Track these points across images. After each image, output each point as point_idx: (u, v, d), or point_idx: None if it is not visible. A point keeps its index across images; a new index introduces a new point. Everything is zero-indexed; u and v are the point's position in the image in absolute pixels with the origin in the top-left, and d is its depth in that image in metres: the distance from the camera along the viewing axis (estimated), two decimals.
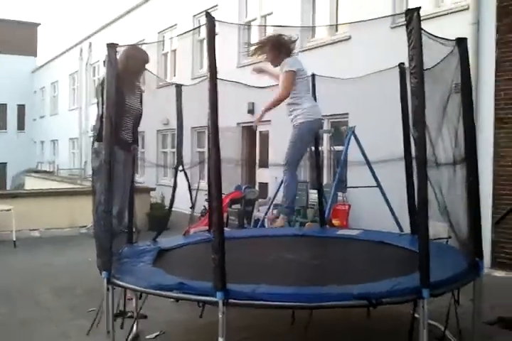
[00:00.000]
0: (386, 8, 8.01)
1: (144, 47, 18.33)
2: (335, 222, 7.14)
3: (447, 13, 7.10)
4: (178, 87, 5.18)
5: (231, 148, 11.22)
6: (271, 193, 9.61)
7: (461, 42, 3.80)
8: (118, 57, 3.69)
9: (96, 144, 4.01)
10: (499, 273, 6.36)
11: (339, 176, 7.01)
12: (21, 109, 30.64)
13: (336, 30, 9.46)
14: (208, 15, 3.08)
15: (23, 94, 30.00)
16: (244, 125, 11.65)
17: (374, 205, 7.46)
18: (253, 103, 10.93)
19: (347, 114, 8.77)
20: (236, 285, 3.01)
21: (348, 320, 4.24)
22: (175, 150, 12.38)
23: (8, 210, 8.69)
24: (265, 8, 11.03)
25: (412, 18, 3.03)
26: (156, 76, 14.58)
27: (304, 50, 9.77)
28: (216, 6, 12.44)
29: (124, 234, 4.31)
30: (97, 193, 3.78)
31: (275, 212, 9.11)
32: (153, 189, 11.18)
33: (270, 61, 4.98)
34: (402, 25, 7.64)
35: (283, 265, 3.92)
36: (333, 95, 8.25)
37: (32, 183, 18.36)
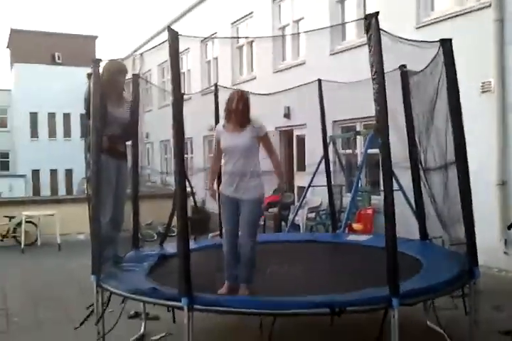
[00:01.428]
0: (410, 9, 7.85)
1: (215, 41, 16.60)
2: (356, 226, 7.02)
3: (470, 11, 6.87)
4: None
5: None
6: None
7: (445, 43, 3.68)
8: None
9: (88, 155, 4.20)
10: None
11: (356, 180, 6.91)
12: (84, 117, 31.93)
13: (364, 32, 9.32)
14: (169, 29, 3.13)
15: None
16: (281, 129, 11.70)
17: (403, 209, 7.26)
18: (289, 107, 10.96)
19: None
20: (203, 292, 3.09)
21: (318, 327, 4.12)
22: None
23: (51, 215, 9.22)
24: (297, 13, 11.04)
25: (371, 23, 2.93)
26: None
27: (334, 53, 9.72)
28: (251, 13, 12.58)
29: (123, 240, 4.48)
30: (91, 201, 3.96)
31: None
32: None
33: (241, 122, 3.83)
34: (428, 24, 7.51)
35: (268, 273, 3.96)
36: (365, 98, 8.11)
37: None
